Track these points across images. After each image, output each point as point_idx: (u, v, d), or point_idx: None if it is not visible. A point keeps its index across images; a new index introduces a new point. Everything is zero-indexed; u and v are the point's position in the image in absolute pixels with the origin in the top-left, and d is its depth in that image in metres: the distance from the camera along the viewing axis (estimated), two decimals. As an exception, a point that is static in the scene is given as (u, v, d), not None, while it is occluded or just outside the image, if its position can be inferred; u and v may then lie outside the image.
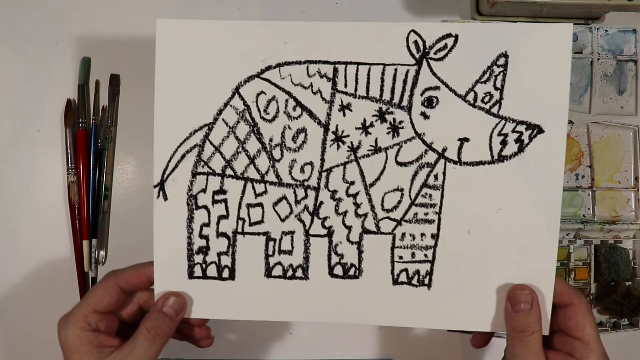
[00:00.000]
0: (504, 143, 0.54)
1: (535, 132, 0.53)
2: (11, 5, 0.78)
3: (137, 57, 0.77)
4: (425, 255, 0.56)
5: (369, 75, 0.54)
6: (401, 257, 0.56)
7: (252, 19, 0.78)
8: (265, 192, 0.56)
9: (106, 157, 0.76)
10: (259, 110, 0.56)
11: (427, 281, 0.56)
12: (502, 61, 0.53)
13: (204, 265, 0.57)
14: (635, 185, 0.77)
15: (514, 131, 0.53)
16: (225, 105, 0.56)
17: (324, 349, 0.78)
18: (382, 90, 0.55)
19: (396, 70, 0.54)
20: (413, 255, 0.56)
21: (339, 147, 0.55)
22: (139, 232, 0.77)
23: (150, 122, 0.73)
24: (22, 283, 0.77)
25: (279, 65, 0.55)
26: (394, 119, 0.55)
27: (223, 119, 0.56)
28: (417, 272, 0.56)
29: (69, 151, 0.75)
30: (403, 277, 0.56)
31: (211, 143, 0.56)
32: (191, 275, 0.57)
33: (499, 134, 0.54)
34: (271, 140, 0.56)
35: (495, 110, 0.53)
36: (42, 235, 0.77)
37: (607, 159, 0.77)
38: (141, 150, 0.78)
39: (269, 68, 0.55)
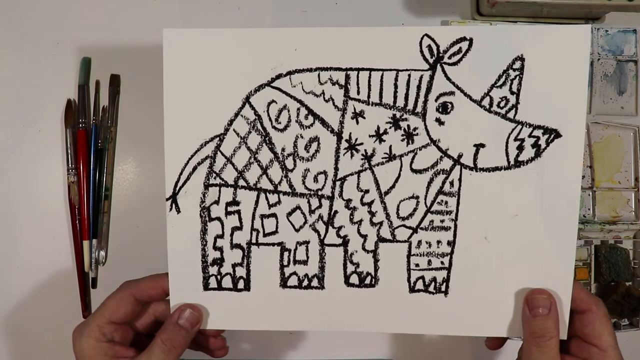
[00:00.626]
0: (520, 148, 0.53)
1: (552, 136, 0.53)
2: (11, 5, 0.77)
3: (137, 57, 0.76)
4: (442, 262, 0.55)
5: (381, 81, 0.54)
6: (417, 265, 0.56)
7: (252, 19, 0.77)
8: (279, 202, 0.56)
9: (106, 157, 0.76)
10: (270, 119, 0.55)
11: (443, 288, 0.56)
12: (518, 64, 0.52)
13: (218, 277, 0.57)
14: (635, 185, 0.77)
15: (530, 136, 0.53)
16: (236, 115, 0.55)
17: (323, 349, 0.78)
18: (395, 96, 0.54)
19: (409, 75, 0.53)
20: (429, 262, 0.56)
21: (352, 155, 0.55)
22: (139, 232, 0.77)
23: (150, 122, 0.73)
24: (22, 283, 0.76)
25: (289, 73, 0.54)
26: (408, 126, 0.54)
27: (234, 129, 0.55)
28: (434, 279, 0.56)
29: (69, 151, 0.75)
30: (419, 285, 0.56)
31: (222, 154, 0.55)
32: (206, 287, 0.57)
33: (515, 139, 0.53)
34: (283, 149, 0.55)
35: (511, 114, 0.53)
36: (42, 235, 0.76)
37: (607, 159, 0.77)
38: (141, 150, 0.77)
39: (279, 76, 0.54)
